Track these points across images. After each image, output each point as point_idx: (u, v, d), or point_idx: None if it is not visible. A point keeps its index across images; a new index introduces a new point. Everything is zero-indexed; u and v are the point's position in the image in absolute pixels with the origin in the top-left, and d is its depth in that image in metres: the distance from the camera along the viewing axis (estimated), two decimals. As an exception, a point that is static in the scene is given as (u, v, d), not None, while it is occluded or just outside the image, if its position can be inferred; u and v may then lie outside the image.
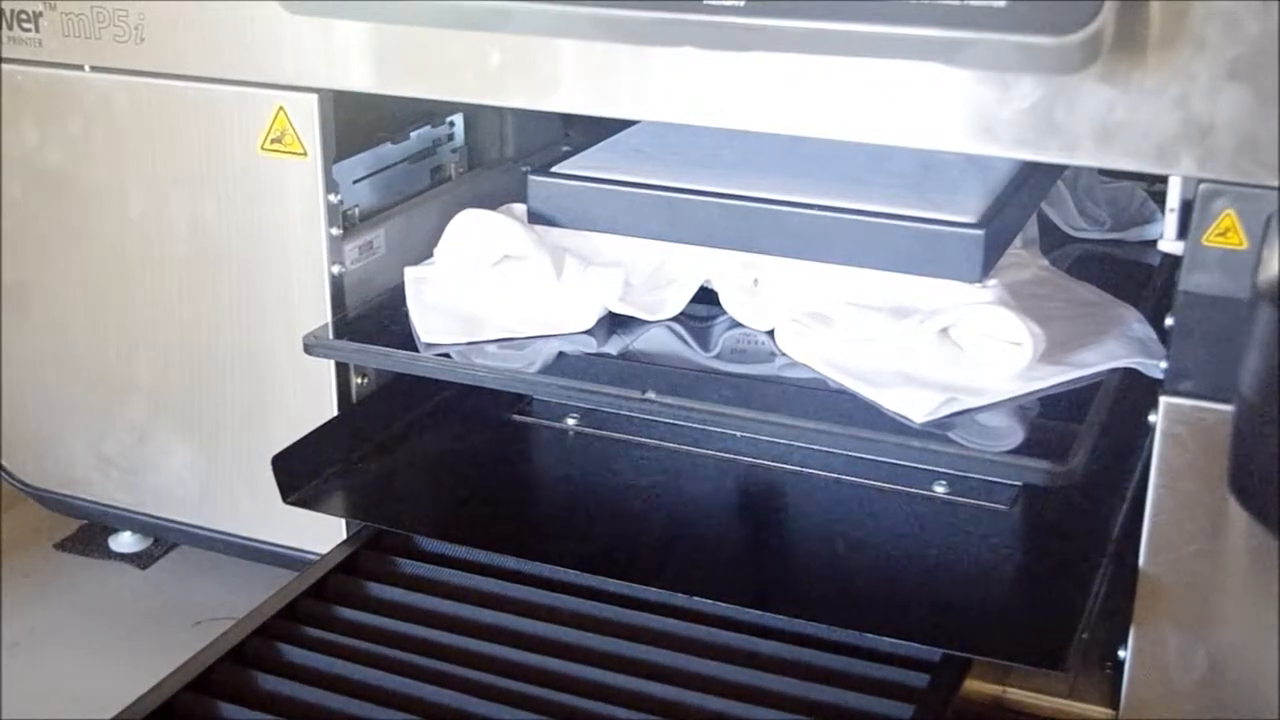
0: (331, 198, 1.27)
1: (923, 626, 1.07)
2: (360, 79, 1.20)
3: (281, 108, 1.25)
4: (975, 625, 1.08)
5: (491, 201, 1.38)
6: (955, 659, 1.07)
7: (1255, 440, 0.97)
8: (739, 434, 1.28)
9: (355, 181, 1.34)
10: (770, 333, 1.24)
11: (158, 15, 1.26)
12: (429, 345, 1.24)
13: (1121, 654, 1.10)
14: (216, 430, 1.38)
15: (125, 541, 1.54)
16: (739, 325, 1.27)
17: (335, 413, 1.31)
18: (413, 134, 1.44)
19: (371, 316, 1.30)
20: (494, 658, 1.10)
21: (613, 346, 1.25)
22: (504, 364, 1.22)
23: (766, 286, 1.27)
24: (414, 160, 1.45)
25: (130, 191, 1.34)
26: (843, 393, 1.15)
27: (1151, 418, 1.05)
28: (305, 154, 1.26)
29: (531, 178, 1.29)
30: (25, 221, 1.39)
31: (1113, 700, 1.12)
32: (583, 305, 1.26)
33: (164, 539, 1.53)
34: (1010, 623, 1.09)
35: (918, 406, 1.10)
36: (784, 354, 1.21)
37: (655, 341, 1.26)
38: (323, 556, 1.23)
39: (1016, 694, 1.16)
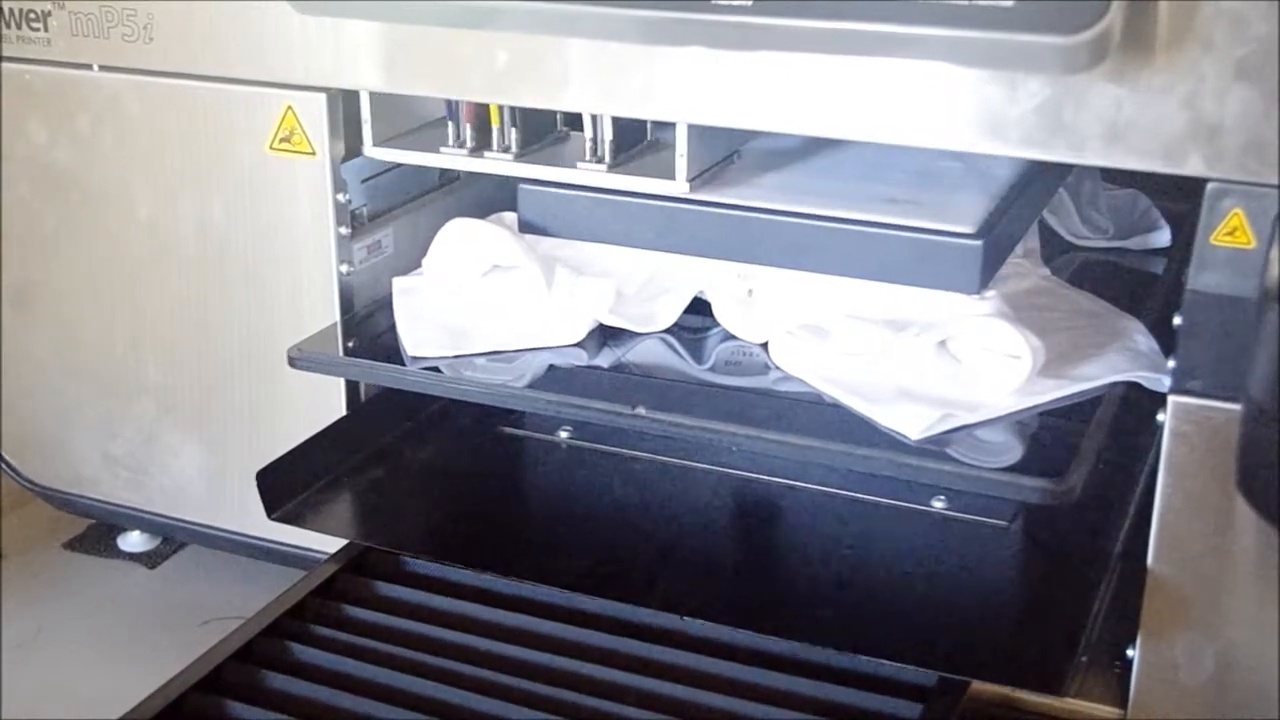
0: (340, 197, 1.28)
1: (919, 649, 1.05)
2: (368, 78, 1.21)
3: (290, 107, 1.25)
4: (973, 647, 1.07)
5: (500, 203, 1.38)
6: (964, 659, 1.07)
7: (1263, 439, 0.97)
8: (733, 447, 1.26)
9: (364, 181, 1.34)
10: (764, 345, 1.23)
11: (166, 15, 1.26)
12: (416, 359, 1.23)
13: (1130, 653, 1.10)
14: (225, 429, 1.38)
15: (134, 541, 1.54)
16: (733, 337, 1.25)
17: (344, 411, 1.31)
18: (420, 134, 1.44)
19: (378, 319, 1.30)
20: (503, 656, 1.10)
21: (604, 359, 1.23)
22: (493, 377, 1.21)
23: (761, 298, 1.24)
24: (421, 160, 1.45)
25: (138, 191, 1.34)
26: (838, 407, 1.13)
27: (1160, 417, 1.05)
28: (314, 153, 1.26)
29: (522, 186, 1.28)
30: (33, 221, 1.40)
31: (1121, 699, 1.12)
32: (574, 317, 1.25)
33: (172, 538, 1.53)
34: (1009, 644, 1.08)
35: (914, 422, 1.08)
36: (778, 367, 1.20)
37: (648, 354, 1.24)
38: (330, 555, 1.23)
39: (1025, 693, 1.15)
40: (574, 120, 1.26)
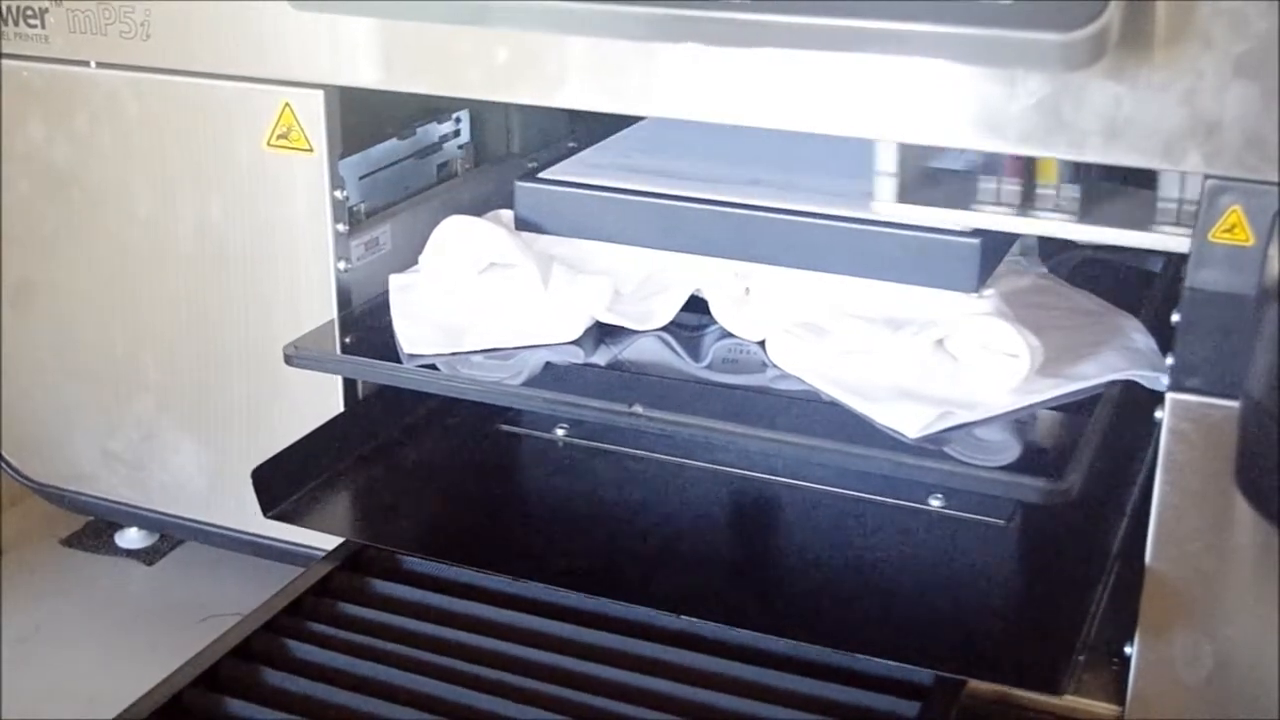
0: (337, 194, 1.27)
1: (917, 647, 1.05)
2: (366, 75, 1.20)
3: (287, 104, 1.25)
4: (970, 645, 1.07)
5: (498, 198, 1.38)
6: (962, 657, 1.07)
7: (1261, 436, 0.97)
8: (730, 445, 1.26)
9: (361, 178, 1.34)
10: (762, 343, 1.22)
11: (164, 12, 1.26)
12: (412, 356, 1.22)
13: (1128, 651, 1.10)
14: (223, 426, 1.38)
15: (131, 538, 1.54)
16: (730, 335, 1.24)
17: (342, 409, 1.31)
18: (418, 130, 1.44)
19: (375, 316, 1.30)
20: (499, 653, 1.10)
21: (601, 357, 1.22)
22: (489, 375, 1.20)
23: (758, 296, 1.24)
24: (420, 156, 1.45)
25: (136, 188, 1.34)
26: (835, 405, 1.12)
27: (1158, 415, 1.05)
28: (311, 150, 1.26)
29: (519, 184, 1.27)
30: (31, 219, 1.39)
31: (1119, 697, 1.12)
32: (570, 314, 1.24)
33: (170, 535, 1.53)
34: (1006, 644, 1.08)
35: (911, 421, 1.07)
36: (776, 365, 1.19)
37: (644, 351, 1.23)
38: (328, 553, 1.23)
39: (1022, 691, 1.15)
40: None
